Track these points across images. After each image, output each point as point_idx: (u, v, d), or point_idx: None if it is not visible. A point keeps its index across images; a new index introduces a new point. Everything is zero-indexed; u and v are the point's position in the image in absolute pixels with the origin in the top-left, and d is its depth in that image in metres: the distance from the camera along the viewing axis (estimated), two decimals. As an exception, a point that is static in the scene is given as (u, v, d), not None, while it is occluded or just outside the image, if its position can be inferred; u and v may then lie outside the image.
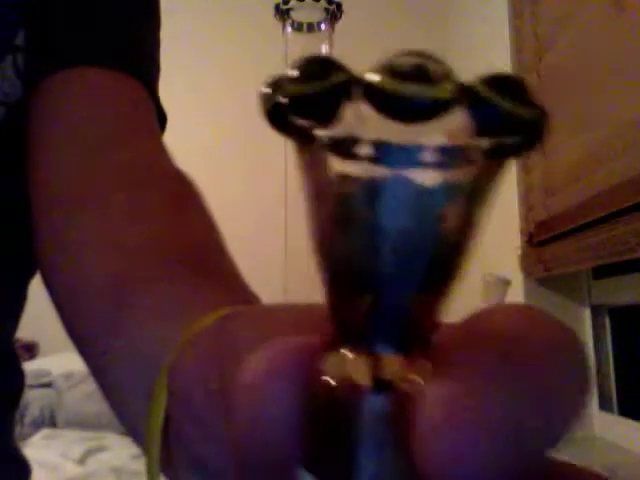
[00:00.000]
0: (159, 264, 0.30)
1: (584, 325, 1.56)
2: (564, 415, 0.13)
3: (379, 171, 0.11)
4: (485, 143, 0.11)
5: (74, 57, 0.40)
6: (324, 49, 1.94)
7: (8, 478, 0.46)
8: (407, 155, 0.11)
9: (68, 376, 2.08)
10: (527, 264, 1.55)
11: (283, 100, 0.12)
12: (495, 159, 0.12)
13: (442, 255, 0.12)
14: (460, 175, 0.12)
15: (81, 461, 1.63)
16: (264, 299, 0.28)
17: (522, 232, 1.58)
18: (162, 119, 0.44)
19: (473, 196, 0.12)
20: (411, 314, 0.13)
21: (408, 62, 0.11)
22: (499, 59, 1.76)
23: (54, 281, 0.36)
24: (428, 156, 0.11)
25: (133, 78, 0.40)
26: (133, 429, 0.27)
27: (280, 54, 1.95)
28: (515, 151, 0.12)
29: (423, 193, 0.12)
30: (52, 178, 0.37)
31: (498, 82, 0.12)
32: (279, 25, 2.01)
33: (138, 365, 0.26)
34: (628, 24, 1.12)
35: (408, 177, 0.11)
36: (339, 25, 2.01)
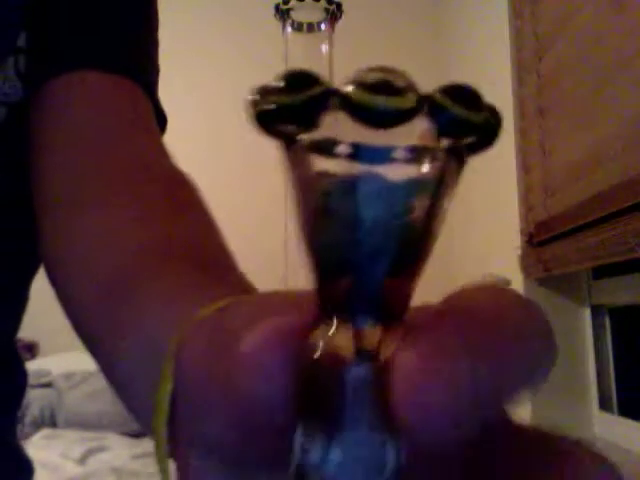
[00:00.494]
0: (161, 262, 0.31)
1: (584, 325, 1.56)
2: (523, 378, 0.14)
3: (356, 169, 0.13)
4: (445, 143, 0.13)
5: (75, 61, 0.40)
6: (324, 49, 1.94)
7: (10, 477, 0.47)
8: (380, 154, 0.13)
9: (68, 376, 2.08)
10: (527, 264, 1.55)
11: (268, 108, 0.14)
12: (455, 157, 0.14)
13: (411, 241, 0.14)
14: (426, 172, 0.13)
15: (81, 461, 1.63)
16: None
17: (522, 232, 1.58)
18: (162, 120, 0.45)
19: (438, 190, 0.14)
20: (386, 292, 0.14)
21: (377, 77, 0.13)
22: (499, 59, 1.76)
23: (59, 280, 0.36)
24: (398, 154, 0.13)
25: (132, 81, 0.41)
26: (145, 423, 0.27)
27: (280, 54, 1.94)
28: (472, 150, 0.14)
29: (393, 188, 0.13)
30: (54, 178, 0.38)
31: (453, 91, 0.13)
32: (279, 25, 2.01)
33: (144, 362, 0.26)
34: (628, 24, 1.12)
35: (380, 174, 0.13)
36: (339, 25, 2.01)
